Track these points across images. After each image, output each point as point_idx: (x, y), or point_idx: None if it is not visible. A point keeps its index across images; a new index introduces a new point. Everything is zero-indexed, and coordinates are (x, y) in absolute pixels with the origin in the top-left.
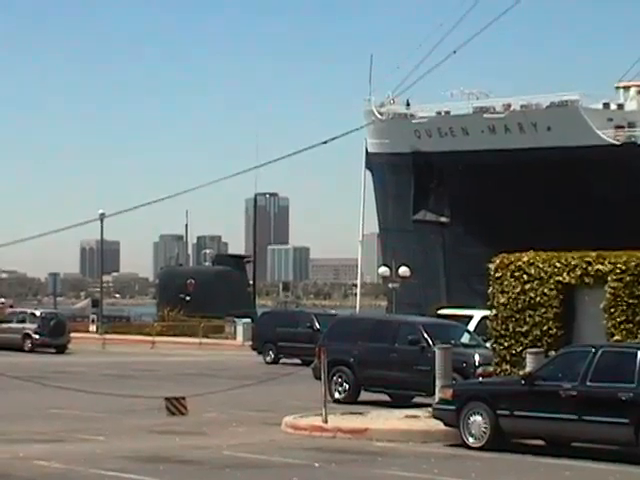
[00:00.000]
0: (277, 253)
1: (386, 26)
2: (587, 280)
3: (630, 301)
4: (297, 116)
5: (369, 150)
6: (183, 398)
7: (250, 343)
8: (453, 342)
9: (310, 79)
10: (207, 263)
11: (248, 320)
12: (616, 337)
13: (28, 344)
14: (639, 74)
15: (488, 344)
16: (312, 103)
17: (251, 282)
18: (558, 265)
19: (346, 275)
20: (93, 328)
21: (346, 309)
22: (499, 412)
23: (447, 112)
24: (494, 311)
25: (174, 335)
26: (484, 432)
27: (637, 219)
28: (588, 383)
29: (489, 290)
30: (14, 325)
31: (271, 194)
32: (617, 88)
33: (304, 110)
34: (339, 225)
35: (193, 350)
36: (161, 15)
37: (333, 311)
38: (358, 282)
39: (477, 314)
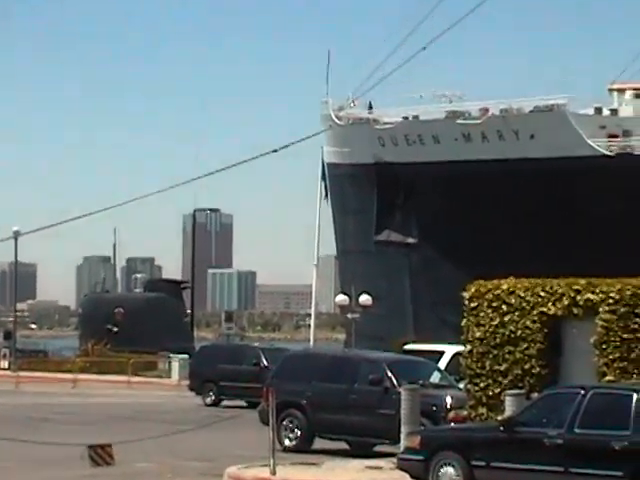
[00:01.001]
0: (219, 278)
1: (346, 18)
2: (575, 311)
3: (624, 336)
4: (246, 120)
5: (326, 160)
6: (109, 446)
7: (187, 382)
8: (421, 382)
9: (262, 78)
10: (138, 289)
11: (185, 356)
12: (608, 377)
13: None
14: (635, 74)
15: (461, 384)
16: (264, 105)
17: (189, 311)
18: (542, 294)
19: (298, 304)
20: (5, 364)
21: (298, 343)
22: (474, 463)
23: (416, 117)
24: (468, 346)
25: (99, 372)
26: None
27: (634, 240)
28: (576, 430)
29: (463, 322)
30: None
31: (212, 210)
32: (610, 91)
33: (255, 114)
34: (291, 246)
35: (121, 390)
36: None
37: (283, 345)
38: (312, 312)
39: (449, 350)
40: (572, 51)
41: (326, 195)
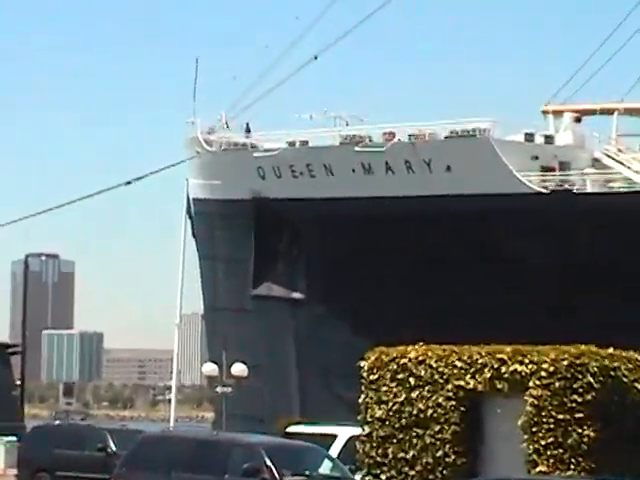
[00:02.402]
0: (57, 341)
1: (220, 23)
2: (500, 386)
3: (560, 416)
4: (102, 146)
5: (192, 195)
6: None
7: (15, 472)
8: (308, 473)
9: (123, 93)
10: None
11: (13, 438)
12: (540, 467)
13: None
14: (574, 95)
15: (358, 476)
16: (124, 126)
17: (18, 383)
18: (459, 364)
19: (156, 374)
20: None
21: (156, 423)
22: None
23: (304, 142)
24: (367, 429)
25: None
26: None
27: (571, 300)
28: None
29: (360, 398)
30: None
31: (49, 255)
32: (544, 113)
33: (111, 136)
34: (148, 302)
35: None
36: None
37: (137, 426)
38: (173, 384)
39: (343, 433)
40: (497, 67)
41: (194, 238)
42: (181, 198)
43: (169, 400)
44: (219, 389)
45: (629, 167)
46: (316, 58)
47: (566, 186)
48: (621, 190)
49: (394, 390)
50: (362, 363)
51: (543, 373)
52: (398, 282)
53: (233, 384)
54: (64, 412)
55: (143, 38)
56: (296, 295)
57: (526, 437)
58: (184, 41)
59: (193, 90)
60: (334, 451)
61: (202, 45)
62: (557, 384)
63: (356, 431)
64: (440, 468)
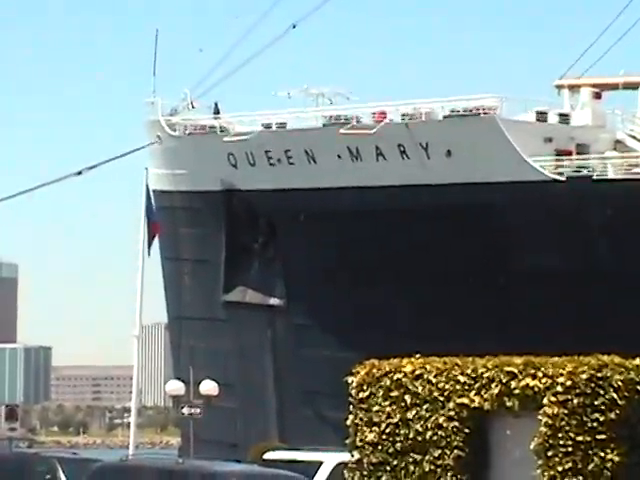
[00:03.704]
0: None
1: None
2: (509, 403)
3: (579, 438)
4: (51, 130)
5: (153, 186)
6: None
7: None
8: None
9: (72, 69)
10: None
11: None
12: None
13: None
14: (593, 67)
15: None
16: (74, 108)
17: None
18: (462, 379)
19: (113, 394)
20: None
21: (113, 450)
22: None
23: (282, 124)
24: (357, 454)
25: None
26: None
27: (589, 305)
28: None
29: (349, 419)
30: None
31: None
32: (558, 88)
33: (60, 118)
34: (102, 311)
35: None
36: None
37: (91, 454)
38: (133, 405)
39: (329, 459)
40: (503, 36)
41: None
42: (142, 190)
43: (128, 424)
44: (186, 410)
45: None
46: (294, 27)
47: (585, 172)
48: None
49: (387, 410)
50: (350, 379)
51: (559, 388)
52: (391, 286)
53: (202, 405)
54: (7, 439)
55: (93, 6)
56: (274, 301)
57: (540, 462)
58: (143, 9)
59: (153, 65)
60: None
61: (163, 14)
62: (575, 401)
63: (344, 457)
64: None
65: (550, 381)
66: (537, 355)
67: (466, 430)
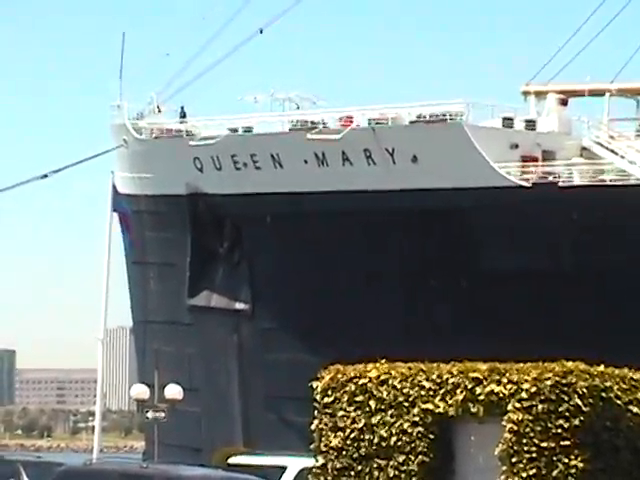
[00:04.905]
0: None
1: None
2: (474, 409)
3: (544, 444)
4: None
5: (119, 190)
6: None
7: None
8: None
9: (40, 70)
10: None
11: None
12: None
13: None
14: (559, 74)
15: None
16: (42, 109)
17: None
18: (427, 384)
19: (77, 397)
20: None
21: (77, 454)
22: None
23: (248, 129)
24: (321, 459)
25: None
26: None
27: (556, 310)
28: None
29: (313, 424)
30: None
31: None
32: (525, 94)
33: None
34: (67, 314)
35: None
36: None
37: (55, 457)
38: (97, 409)
39: (293, 464)
40: (470, 42)
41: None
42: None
43: (92, 428)
44: (150, 414)
45: (622, 156)
46: (261, 32)
47: (550, 178)
48: (613, 183)
49: (352, 415)
50: (315, 384)
51: (524, 394)
52: (357, 291)
53: (166, 409)
54: None
55: (59, 8)
56: (239, 306)
57: (504, 468)
58: (109, 12)
59: (119, 69)
60: None
61: (130, 16)
62: (540, 407)
63: (308, 462)
64: None
65: (515, 387)
66: (502, 361)
67: (431, 436)
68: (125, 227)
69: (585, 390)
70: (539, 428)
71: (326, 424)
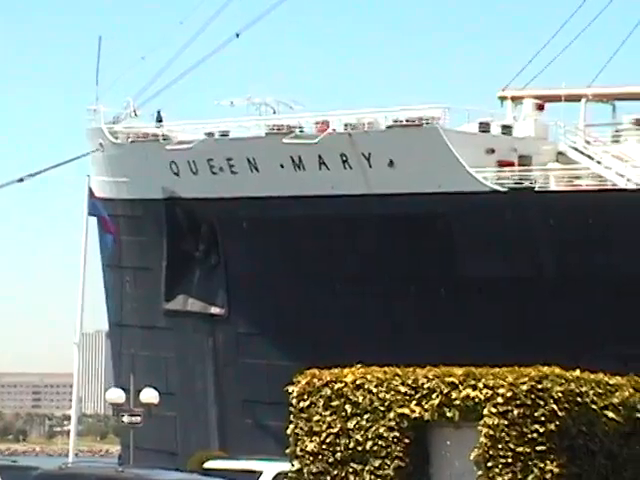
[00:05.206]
0: None
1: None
2: (449, 414)
3: (519, 449)
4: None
5: (96, 194)
6: None
7: None
8: None
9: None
10: None
11: None
12: None
13: None
14: (536, 79)
15: None
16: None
17: None
18: (403, 389)
19: (53, 401)
20: None
21: (53, 458)
22: None
23: (224, 133)
24: (297, 464)
25: None
26: None
27: (533, 311)
28: None
29: (289, 429)
30: None
31: None
32: (501, 99)
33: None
34: (43, 318)
35: None
36: None
37: (30, 461)
38: (73, 413)
39: (269, 468)
40: (447, 47)
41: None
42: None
43: (68, 432)
44: (126, 419)
45: (599, 162)
46: (238, 36)
47: (526, 184)
48: (589, 188)
49: (328, 419)
50: (291, 388)
51: (499, 399)
52: (333, 295)
53: (142, 413)
54: None
55: (36, 11)
56: (215, 310)
57: (480, 473)
58: (86, 16)
59: (95, 72)
60: None
61: (106, 20)
62: (516, 412)
63: (284, 467)
64: None
65: (490, 392)
66: (478, 366)
67: (406, 440)
68: (107, 229)
69: (561, 395)
70: (515, 433)
71: (302, 428)
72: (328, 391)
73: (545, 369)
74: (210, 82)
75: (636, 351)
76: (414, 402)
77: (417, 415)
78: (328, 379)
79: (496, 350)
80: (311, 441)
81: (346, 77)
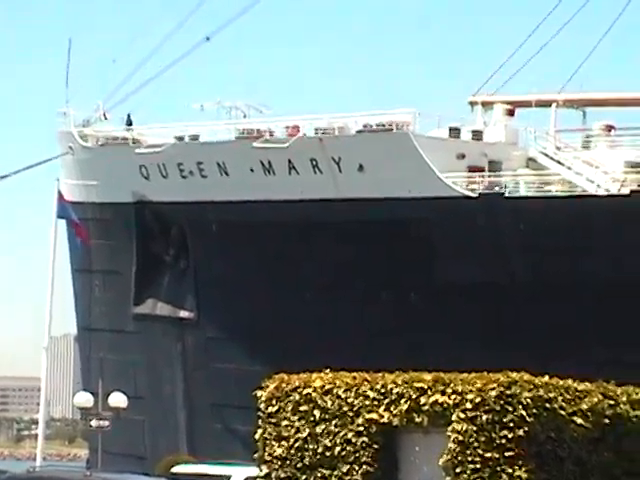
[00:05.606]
0: None
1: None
2: (418, 419)
3: (488, 455)
4: None
5: (66, 197)
6: None
7: None
8: None
9: None
10: None
11: None
12: None
13: None
14: (506, 84)
15: None
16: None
17: None
18: (371, 394)
19: (21, 405)
20: None
21: (20, 462)
22: None
23: (194, 137)
24: (265, 469)
25: None
26: None
27: (502, 317)
28: None
29: (257, 434)
30: None
31: None
32: (472, 104)
33: None
34: (10, 321)
35: None
36: None
37: None
38: (40, 417)
39: (238, 473)
40: (417, 52)
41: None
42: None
43: (36, 435)
44: (94, 423)
45: (569, 167)
46: (208, 39)
47: (496, 189)
48: (560, 194)
49: (296, 424)
50: (259, 393)
51: (468, 405)
52: (303, 300)
53: (111, 417)
54: None
55: (6, 11)
56: (184, 314)
57: (449, 479)
58: (56, 19)
59: (66, 75)
60: None
61: (76, 23)
62: (484, 417)
63: (252, 471)
64: None
65: (459, 398)
66: (447, 371)
67: (375, 446)
68: (76, 233)
69: (529, 401)
70: (483, 438)
71: (270, 433)
72: (297, 396)
73: (514, 375)
74: (180, 86)
75: (607, 355)
76: (383, 407)
77: (386, 420)
78: (297, 384)
79: (473, 355)
80: (279, 446)
81: (317, 82)
